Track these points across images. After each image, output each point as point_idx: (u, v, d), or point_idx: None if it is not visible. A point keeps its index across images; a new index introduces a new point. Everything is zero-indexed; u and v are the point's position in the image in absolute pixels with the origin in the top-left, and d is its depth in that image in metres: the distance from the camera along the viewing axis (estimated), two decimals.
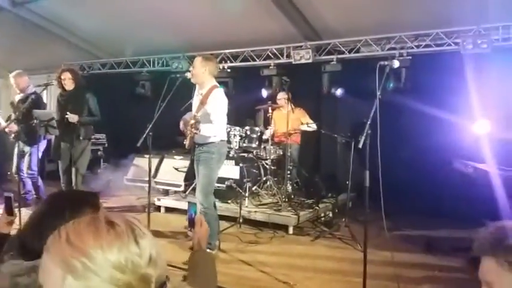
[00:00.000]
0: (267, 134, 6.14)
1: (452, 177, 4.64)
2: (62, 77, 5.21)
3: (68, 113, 5.00)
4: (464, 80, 5.12)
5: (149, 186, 4.19)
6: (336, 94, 6.55)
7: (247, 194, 5.66)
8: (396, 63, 3.15)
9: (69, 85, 5.21)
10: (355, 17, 5.80)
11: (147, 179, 4.46)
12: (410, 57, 5.55)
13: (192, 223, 1.88)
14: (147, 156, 4.32)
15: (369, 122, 3.09)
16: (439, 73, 5.57)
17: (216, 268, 1.71)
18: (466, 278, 3.70)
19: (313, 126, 6.26)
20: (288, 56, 6.61)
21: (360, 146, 3.13)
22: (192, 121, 3.80)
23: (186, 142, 4.20)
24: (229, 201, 5.71)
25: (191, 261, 1.70)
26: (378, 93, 3.08)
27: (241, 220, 5.23)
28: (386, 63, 3.15)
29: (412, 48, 5.67)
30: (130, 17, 6.58)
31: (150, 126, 4.03)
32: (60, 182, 5.31)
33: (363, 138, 3.07)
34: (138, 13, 6.42)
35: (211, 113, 3.97)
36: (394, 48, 5.84)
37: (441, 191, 5.49)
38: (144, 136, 4.02)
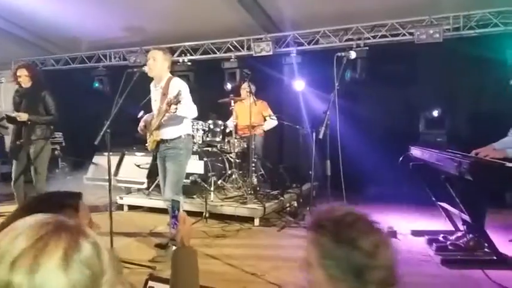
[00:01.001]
0: (230, 127, 6.12)
1: (409, 163, 4.80)
2: (18, 74, 4.95)
3: (15, 111, 4.79)
4: (419, 69, 5.31)
5: (110, 185, 4.07)
6: (295, 86, 6.61)
7: (212, 188, 5.64)
8: (353, 54, 3.22)
9: (26, 82, 4.96)
10: (312, 9, 5.86)
11: (107, 177, 4.34)
12: (367, 48, 5.67)
13: (175, 220, 1.86)
14: (107, 154, 4.20)
15: (328, 113, 3.15)
16: (395, 63, 5.75)
17: (198, 265, 1.70)
18: (426, 260, 3.88)
19: (273, 121, 6.29)
20: (249, 49, 6.60)
21: (321, 136, 3.19)
22: (169, 99, 3.71)
23: (148, 143, 4.13)
24: (194, 196, 5.67)
25: (175, 258, 1.68)
26: (336, 84, 3.15)
27: (207, 215, 5.21)
28: (343, 54, 3.22)
29: (369, 39, 5.80)
30: (85, 10, 6.34)
31: (108, 123, 3.91)
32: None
33: (323, 128, 3.13)
34: (93, 5, 6.20)
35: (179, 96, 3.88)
36: (351, 39, 5.96)
37: (400, 177, 5.70)
38: (101, 133, 3.89)
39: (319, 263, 1.09)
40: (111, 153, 4.16)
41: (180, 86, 3.97)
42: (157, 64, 4.02)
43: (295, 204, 5.94)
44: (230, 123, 6.14)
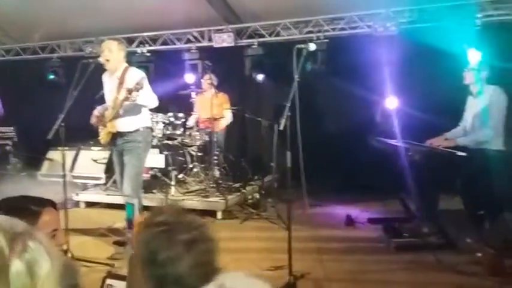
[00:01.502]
0: (192, 120, 6.04)
1: (367, 153, 4.94)
2: None
3: None
4: (377, 61, 5.44)
5: (64, 181, 3.93)
6: (257, 79, 6.60)
7: (173, 183, 5.56)
8: (312, 47, 3.24)
9: None
10: (273, 0, 5.85)
11: (62, 173, 4.18)
12: (327, 40, 5.74)
13: (130, 224, 1.82)
14: (61, 149, 4.05)
15: (288, 105, 3.17)
16: (354, 55, 5.85)
17: None
18: (381, 246, 4.01)
19: (229, 116, 6.26)
20: (210, 40, 6.52)
21: (281, 128, 3.20)
22: (130, 86, 3.60)
23: (102, 136, 4.00)
24: (154, 191, 5.55)
25: (131, 264, 1.65)
26: (296, 76, 3.16)
27: None
28: (303, 46, 3.23)
29: (329, 31, 5.87)
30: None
31: (62, 116, 3.76)
32: None
33: (283, 120, 3.14)
34: None
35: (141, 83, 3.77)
36: (311, 32, 6.00)
37: (358, 167, 5.85)
38: (55, 128, 3.74)
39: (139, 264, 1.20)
40: (66, 148, 4.03)
41: (138, 75, 3.89)
42: (113, 55, 3.91)
43: (257, 196, 5.96)
44: (192, 118, 6.07)
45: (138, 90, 3.61)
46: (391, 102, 5.09)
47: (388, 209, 5.01)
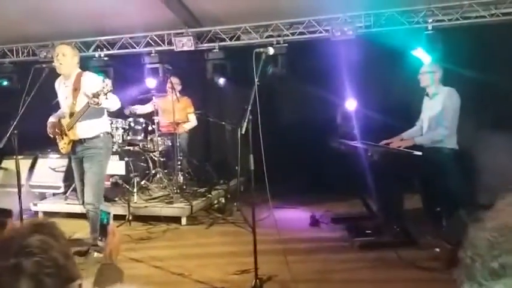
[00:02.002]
0: (154, 125, 5.92)
1: (330, 155, 5.03)
2: None
3: None
4: (336, 64, 5.57)
5: (19, 191, 3.76)
6: (218, 83, 6.59)
7: (135, 190, 5.43)
8: (271, 51, 3.27)
9: None
10: (233, 4, 5.86)
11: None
12: (286, 45, 5.81)
13: (104, 232, 1.76)
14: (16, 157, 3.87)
15: (249, 108, 3.18)
16: (313, 59, 5.97)
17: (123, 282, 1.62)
18: (346, 246, 4.10)
19: (193, 120, 6.23)
20: (170, 44, 6.44)
21: (243, 131, 3.21)
22: (96, 91, 3.50)
23: (63, 146, 3.87)
24: (116, 199, 5.40)
25: (99, 274, 1.61)
26: (256, 79, 3.18)
27: (130, 217, 5.01)
28: (262, 50, 3.25)
29: (288, 35, 5.95)
30: None
31: (14, 123, 3.59)
32: None
33: (245, 123, 3.15)
34: None
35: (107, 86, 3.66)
36: (271, 36, 6.06)
37: (321, 169, 5.96)
38: (7, 135, 3.57)
39: None
40: (21, 156, 3.85)
41: (99, 78, 3.80)
42: (68, 59, 3.79)
43: (223, 201, 5.94)
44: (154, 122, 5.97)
45: (105, 94, 3.52)
46: (351, 105, 5.22)
47: (352, 209, 5.13)
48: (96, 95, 3.51)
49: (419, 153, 3.79)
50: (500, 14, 5.26)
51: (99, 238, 1.87)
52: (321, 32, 5.81)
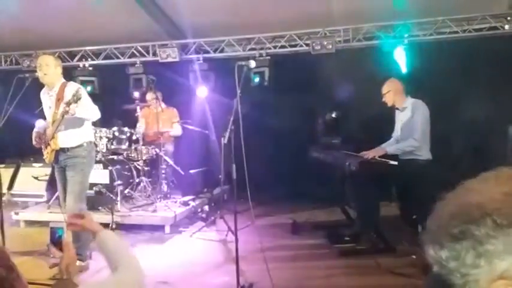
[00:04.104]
0: (139, 134, 5.97)
1: (310, 164, 5.17)
2: None
3: None
4: (316, 77, 5.74)
5: (0, 199, 3.76)
6: (199, 93, 6.69)
7: (119, 199, 5.46)
8: (252, 64, 3.39)
9: None
10: (216, 18, 5.98)
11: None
12: (269, 57, 5.97)
13: (58, 246, 1.76)
14: None
15: (231, 118, 3.29)
16: (295, 71, 6.13)
17: None
18: (326, 252, 4.21)
19: (178, 128, 6.30)
20: (154, 54, 6.53)
21: (225, 141, 3.32)
22: (68, 99, 3.53)
23: (46, 156, 3.90)
24: (99, 207, 5.41)
25: None
26: (238, 91, 3.29)
27: (114, 226, 5.02)
28: (243, 63, 3.37)
29: (270, 49, 6.11)
30: None
31: None
32: None
33: (228, 133, 3.26)
34: None
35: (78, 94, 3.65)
36: (254, 49, 6.21)
37: (302, 178, 6.10)
38: None
39: None
40: (2, 165, 3.85)
41: (75, 87, 3.83)
42: (51, 69, 3.82)
43: (207, 209, 6.00)
44: (139, 130, 6.00)
45: (76, 102, 3.55)
46: (330, 116, 5.38)
47: (331, 216, 5.26)
48: (68, 103, 3.55)
49: (395, 162, 3.95)
50: (472, 30, 5.53)
51: (51, 255, 1.84)
52: (301, 46, 5.98)
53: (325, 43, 5.51)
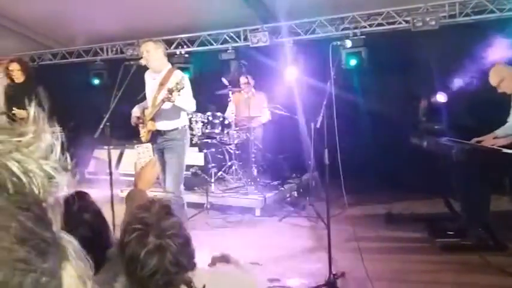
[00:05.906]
0: (230, 119, 6.11)
1: (409, 151, 4.83)
2: (10, 68, 4.93)
3: (14, 108, 4.70)
4: (416, 57, 5.30)
5: (111, 178, 4.11)
6: (291, 76, 6.58)
7: (213, 180, 5.66)
8: (349, 43, 3.22)
9: (19, 77, 4.93)
10: None
11: (108, 171, 4.36)
12: (363, 37, 5.65)
13: None
14: (107, 147, 4.23)
15: (324, 103, 3.16)
16: (392, 51, 5.73)
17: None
18: (426, 246, 3.92)
19: (267, 114, 6.31)
20: (246, 39, 6.58)
21: (318, 126, 3.21)
22: (170, 87, 3.69)
23: (143, 134, 4.13)
24: (195, 188, 5.69)
25: (127, 198, 1.96)
26: (332, 73, 3.14)
27: (208, 206, 5.24)
28: (339, 43, 3.21)
29: (365, 27, 5.78)
30: (78, 3, 6.29)
31: (107, 116, 3.92)
32: None
33: (320, 117, 3.15)
34: None
35: (182, 83, 3.80)
36: (348, 28, 5.93)
37: (399, 165, 5.72)
38: (101, 127, 3.91)
39: None
40: (111, 147, 4.18)
41: (180, 75, 3.98)
42: (152, 55, 4.01)
43: (296, 194, 5.98)
44: (229, 115, 6.14)
45: (178, 90, 3.69)
46: (437, 99, 4.93)
47: (431, 208, 4.88)
48: (170, 91, 3.69)
49: (510, 151, 3.50)
50: None
51: None
52: (400, 23, 5.56)
53: (428, 19, 5.04)
